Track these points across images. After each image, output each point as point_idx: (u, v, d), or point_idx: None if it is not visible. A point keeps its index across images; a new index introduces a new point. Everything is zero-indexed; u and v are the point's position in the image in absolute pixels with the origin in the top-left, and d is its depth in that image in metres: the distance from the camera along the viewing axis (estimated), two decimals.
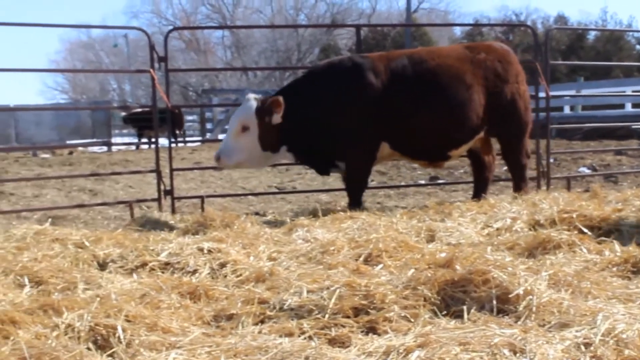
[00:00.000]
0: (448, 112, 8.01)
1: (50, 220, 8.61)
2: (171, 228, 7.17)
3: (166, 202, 8.85)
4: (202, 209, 8.74)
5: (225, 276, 5.01)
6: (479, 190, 8.65)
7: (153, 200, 8.97)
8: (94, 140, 28.54)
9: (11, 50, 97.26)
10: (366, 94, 7.84)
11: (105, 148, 24.83)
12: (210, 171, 13.23)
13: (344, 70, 7.99)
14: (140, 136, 26.57)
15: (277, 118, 7.65)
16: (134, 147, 23.51)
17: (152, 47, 8.63)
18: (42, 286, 4.83)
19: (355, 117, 7.80)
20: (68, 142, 26.24)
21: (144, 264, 5.24)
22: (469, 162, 9.12)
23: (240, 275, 4.97)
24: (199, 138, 28.56)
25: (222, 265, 5.17)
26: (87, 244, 6.05)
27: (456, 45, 9.05)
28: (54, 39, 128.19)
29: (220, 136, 27.19)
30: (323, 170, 8.31)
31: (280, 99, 7.60)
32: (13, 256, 5.52)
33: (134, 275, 5.05)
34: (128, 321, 3.74)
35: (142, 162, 16.72)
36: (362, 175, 8.14)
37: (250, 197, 10.67)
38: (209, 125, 32.49)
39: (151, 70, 8.65)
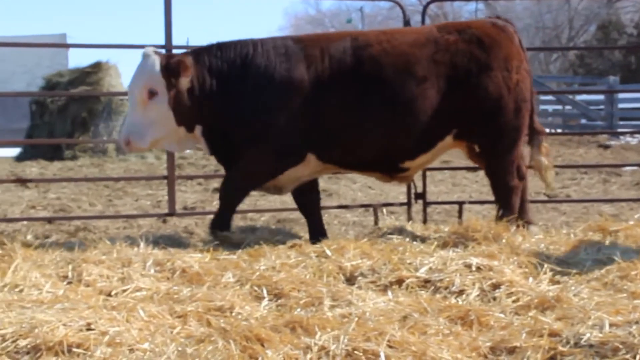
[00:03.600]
0: (392, 111, 7.23)
1: (278, 223, 9.01)
2: (423, 238, 7.17)
3: (415, 207, 8.91)
4: (460, 216, 8.71)
5: (498, 300, 4.96)
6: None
7: (401, 204, 9.06)
8: None
9: (231, 27, 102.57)
10: (295, 87, 7.16)
11: None
12: (463, 172, 13.21)
13: (272, 53, 7.26)
14: None
15: (184, 82, 7.00)
16: None
17: (407, 23, 8.74)
18: (282, 299, 5.03)
19: (276, 113, 7.17)
20: None
21: (399, 280, 5.29)
22: None
23: (518, 300, 4.89)
24: None
25: (495, 287, 5.12)
26: (328, 253, 6.18)
27: (427, 26, 8.02)
28: (278, 14, 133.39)
29: None
30: None
31: (189, 60, 7.02)
32: (247, 264, 5.76)
33: (389, 292, 5.10)
34: (391, 347, 3.78)
35: None
36: (249, 180, 7.36)
37: None
38: None
39: None
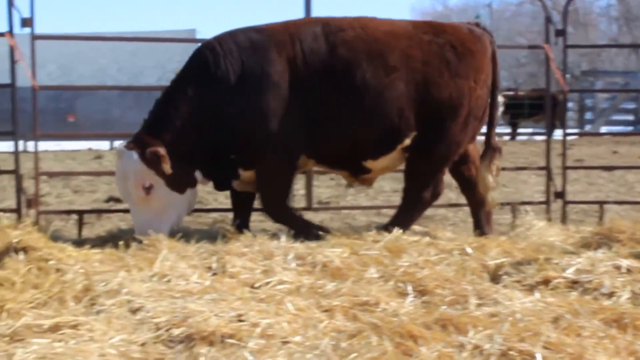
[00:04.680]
0: (359, 102, 6.99)
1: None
2: (564, 238, 7.03)
3: (553, 206, 8.76)
4: (601, 217, 8.52)
5: None
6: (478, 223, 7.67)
7: (539, 203, 8.92)
8: None
9: None
10: (272, 79, 6.95)
11: None
12: (597, 172, 12.93)
13: (237, 52, 7.03)
14: (514, 126, 27.12)
15: (167, 169, 6.73)
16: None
17: (548, 19, 8.62)
18: (427, 296, 5.01)
19: (265, 113, 6.94)
20: None
21: (546, 280, 5.20)
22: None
23: None
24: (576, 130, 27.96)
25: None
26: (469, 250, 6.13)
27: (403, 20, 7.62)
28: (405, 10, 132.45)
29: (603, 129, 26.49)
30: (224, 184, 7.35)
31: (161, 151, 6.69)
32: (390, 260, 5.75)
33: (536, 292, 5.01)
34: (546, 348, 3.71)
35: (509, 157, 16.73)
36: (283, 188, 7.28)
37: None
38: (588, 115, 31.74)
39: (546, 46, 8.63)
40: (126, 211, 9.11)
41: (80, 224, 8.11)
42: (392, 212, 9.17)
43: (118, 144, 6.97)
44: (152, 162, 6.68)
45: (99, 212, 9.01)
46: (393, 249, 6.14)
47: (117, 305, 4.76)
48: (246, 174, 7.15)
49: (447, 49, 7.12)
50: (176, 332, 4.20)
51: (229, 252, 5.90)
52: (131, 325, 4.40)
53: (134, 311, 4.67)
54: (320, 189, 10.90)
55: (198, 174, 7.05)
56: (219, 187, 7.38)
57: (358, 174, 7.40)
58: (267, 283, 5.32)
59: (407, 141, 7.13)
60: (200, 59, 7.08)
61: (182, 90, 7.00)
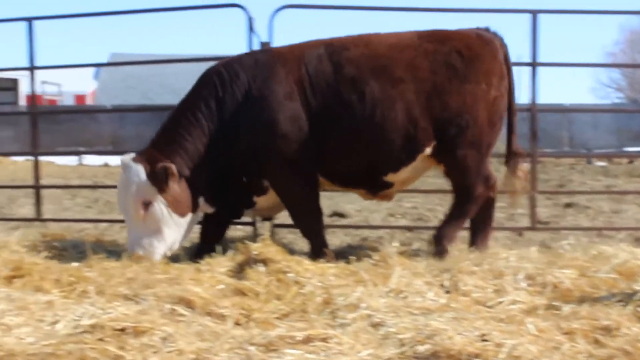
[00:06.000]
0: (370, 117, 6.83)
1: (636, 242, 8.68)
2: None
3: None
4: None
5: None
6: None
7: None
8: None
9: (564, 42, 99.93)
10: (280, 97, 6.85)
11: None
12: None
13: (244, 74, 6.95)
14: None
15: (174, 187, 6.64)
16: None
17: None
18: None
19: (280, 135, 6.81)
20: (626, 149, 26.15)
21: None
22: None
23: None
24: None
25: None
26: None
27: (408, 32, 7.29)
28: (613, 28, 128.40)
29: None
30: (235, 213, 7.28)
31: (173, 167, 6.60)
32: (625, 284, 5.64)
33: None
34: None
35: None
36: (309, 204, 7.10)
37: None
38: None
39: None
40: (351, 226, 9.33)
41: None
42: (612, 233, 9.00)
43: (124, 156, 6.78)
44: (159, 178, 6.60)
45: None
46: (624, 271, 5.98)
47: (358, 319, 4.86)
48: (262, 199, 7.13)
49: (452, 56, 7.02)
50: (421, 349, 4.25)
51: (460, 271, 5.91)
52: (376, 340, 4.48)
53: (374, 326, 4.76)
54: (539, 208, 10.77)
55: (201, 200, 6.95)
56: (231, 214, 7.33)
57: (377, 191, 7.30)
58: (500, 302, 5.31)
59: (428, 150, 7.00)
60: (207, 82, 7.06)
61: (190, 113, 6.95)
